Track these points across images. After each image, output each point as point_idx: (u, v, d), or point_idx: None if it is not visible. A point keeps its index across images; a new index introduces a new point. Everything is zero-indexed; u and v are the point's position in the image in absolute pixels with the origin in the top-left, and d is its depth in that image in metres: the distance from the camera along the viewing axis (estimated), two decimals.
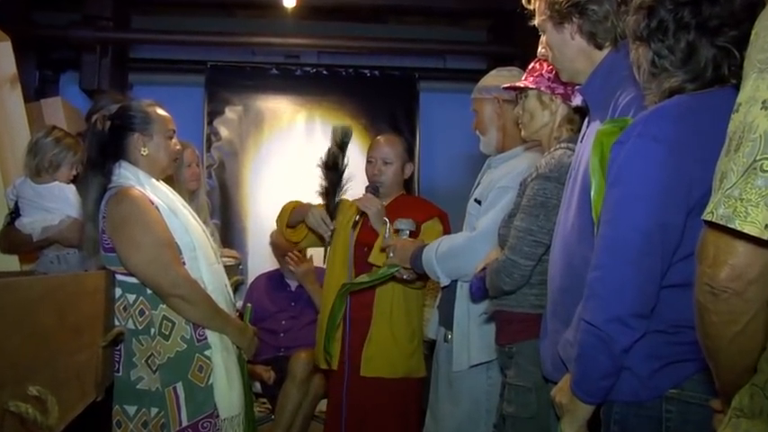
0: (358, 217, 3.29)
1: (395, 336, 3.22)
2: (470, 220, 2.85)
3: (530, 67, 2.37)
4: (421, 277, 3.08)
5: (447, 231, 3.28)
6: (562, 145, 2.23)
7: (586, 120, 1.99)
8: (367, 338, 3.22)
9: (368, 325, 3.22)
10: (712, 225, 1.07)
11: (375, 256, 3.18)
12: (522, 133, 2.41)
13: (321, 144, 5.74)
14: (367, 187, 3.35)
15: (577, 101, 2.05)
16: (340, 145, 3.36)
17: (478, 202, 2.82)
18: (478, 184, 2.94)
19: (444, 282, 2.77)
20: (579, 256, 1.77)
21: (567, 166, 2.08)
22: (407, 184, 5.66)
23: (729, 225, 1.04)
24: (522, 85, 2.35)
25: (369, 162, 3.41)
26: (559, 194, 2.07)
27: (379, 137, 3.56)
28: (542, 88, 2.30)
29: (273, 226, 4.59)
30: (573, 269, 1.80)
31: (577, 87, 1.98)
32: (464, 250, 2.70)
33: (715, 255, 1.07)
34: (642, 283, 1.46)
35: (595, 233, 1.59)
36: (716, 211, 1.05)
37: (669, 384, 1.51)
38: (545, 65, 2.27)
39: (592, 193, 1.63)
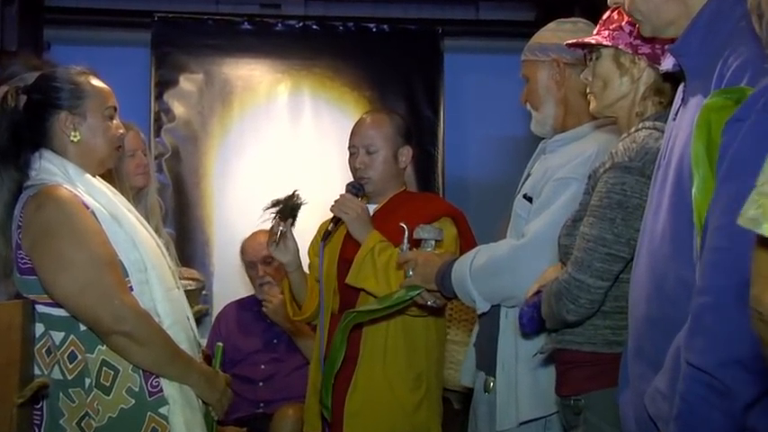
0: (332, 225, 3.31)
1: (390, 382, 3.22)
2: (518, 224, 2.85)
3: (604, 17, 2.36)
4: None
5: (465, 236, 3.30)
6: (647, 124, 2.23)
7: (680, 90, 1.98)
8: (351, 386, 3.22)
9: (353, 367, 3.22)
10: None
11: (354, 276, 3.20)
12: (592, 106, 2.40)
13: (310, 125, 5.88)
14: (347, 185, 3.37)
15: (668, 64, 2.03)
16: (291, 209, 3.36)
17: (529, 200, 2.82)
18: (528, 175, 2.94)
19: (482, 307, 2.77)
20: (673, 274, 1.76)
21: (653, 153, 2.07)
22: (426, 177, 5.73)
23: (756, 230, 1.07)
24: (593, 42, 2.34)
25: (350, 153, 3.43)
26: (643, 191, 2.07)
27: (363, 115, 3.58)
28: (621, 46, 2.29)
29: (246, 236, 4.64)
30: (664, 293, 1.80)
31: (669, 46, 1.96)
32: (509, 264, 2.70)
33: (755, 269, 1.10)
34: None
35: (698, 245, 1.58)
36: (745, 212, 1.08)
37: None
38: (625, 15, 2.26)
39: (693, 190, 1.62)
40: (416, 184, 5.59)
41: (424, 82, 5.90)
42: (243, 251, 4.62)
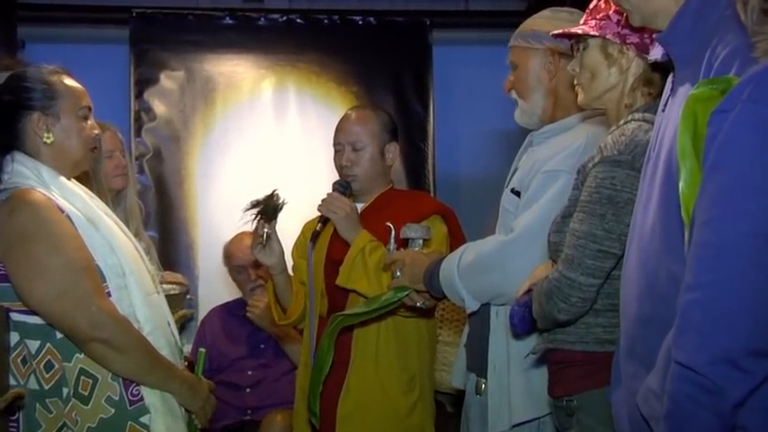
0: (320, 225, 3.31)
1: (383, 385, 3.23)
2: (506, 219, 2.84)
3: (591, 6, 2.36)
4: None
5: (456, 234, 3.30)
6: (636, 116, 2.23)
7: (669, 80, 1.98)
8: (343, 390, 3.22)
9: (344, 371, 3.23)
10: None
11: (345, 277, 3.20)
12: (579, 99, 2.40)
13: (296, 122, 5.86)
14: (334, 184, 3.37)
15: (657, 54, 2.03)
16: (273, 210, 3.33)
17: (517, 194, 2.81)
18: (516, 169, 2.93)
19: (471, 306, 2.76)
20: (665, 271, 1.75)
21: (643, 146, 2.07)
22: (416, 173, 5.72)
23: None
24: (579, 32, 2.33)
25: (335, 150, 3.43)
26: (634, 185, 2.07)
27: (348, 111, 3.58)
28: (609, 36, 2.29)
29: (230, 237, 4.63)
30: (656, 290, 1.79)
31: (657, 35, 1.96)
32: (498, 260, 2.69)
33: None
34: (762, 307, 1.44)
35: (687, 240, 1.58)
36: None
37: None
38: (612, 4, 2.26)
39: (681, 183, 1.62)
40: (406, 180, 5.60)
41: (412, 76, 5.90)
42: (229, 255, 4.60)
